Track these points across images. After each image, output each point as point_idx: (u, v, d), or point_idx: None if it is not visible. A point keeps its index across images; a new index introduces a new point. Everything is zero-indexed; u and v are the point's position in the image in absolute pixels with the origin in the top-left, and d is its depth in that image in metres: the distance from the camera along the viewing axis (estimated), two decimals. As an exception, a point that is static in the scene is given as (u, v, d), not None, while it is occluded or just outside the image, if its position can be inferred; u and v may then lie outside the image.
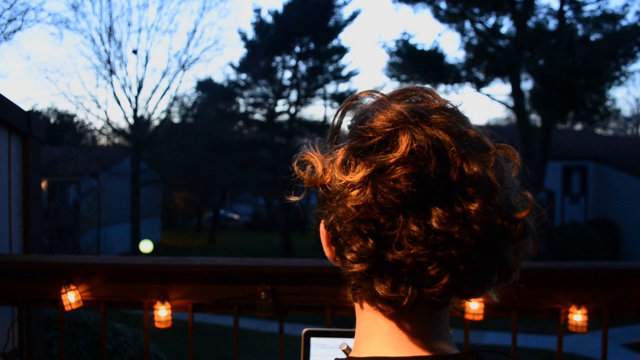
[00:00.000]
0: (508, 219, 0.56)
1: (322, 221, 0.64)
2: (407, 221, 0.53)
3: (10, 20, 12.73)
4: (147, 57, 20.84)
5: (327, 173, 0.60)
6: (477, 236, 0.54)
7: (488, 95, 17.65)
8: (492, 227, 0.55)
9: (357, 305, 0.65)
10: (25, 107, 2.77)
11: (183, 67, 21.53)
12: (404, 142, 0.54)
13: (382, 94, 0.64)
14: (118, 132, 22.13)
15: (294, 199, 0.68)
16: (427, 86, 0.65)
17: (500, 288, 0.61)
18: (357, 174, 0.55)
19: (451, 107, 0.61)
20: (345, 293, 1.99)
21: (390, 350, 0.61)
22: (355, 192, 0.55)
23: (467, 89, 16.65)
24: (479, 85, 16.75)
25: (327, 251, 0.66)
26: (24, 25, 13.21)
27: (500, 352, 0.67)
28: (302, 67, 23.87)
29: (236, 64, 24.66)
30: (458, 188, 0.54)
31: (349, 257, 0.57)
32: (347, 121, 0.64)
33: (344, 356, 0.84)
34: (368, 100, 0.64)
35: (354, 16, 23.68)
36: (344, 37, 54.42)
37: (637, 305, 1.98)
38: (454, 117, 0.59)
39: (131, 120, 21.03)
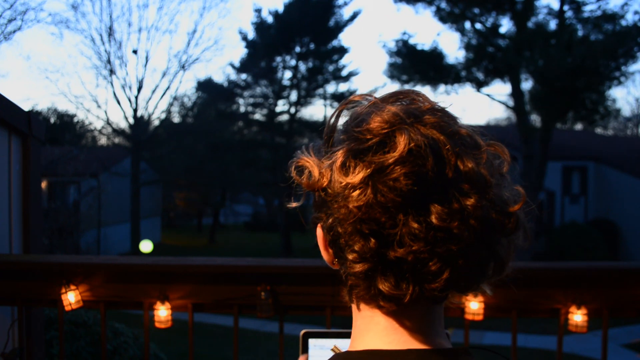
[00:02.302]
0: (502, 213, 0.58)
1: (319, 225, 0.65)
2: (408, 219, 0.55)
3: (10, 20, 12.74)
4: (147, 57, 20.84)
5: (325, 177, 0.61)
6: (474, 231, 0.56)
7: (488, 95, 17.65)
8: (488, 221, 0.57)
9: (353, 306, 0.67)
10: (25, 107, 2.77)
11: (183, 67, 21.52)
12: (401, 142, 0.55)
13: (374, 97, 0.65)
14: (118, 132, 22.13)
15: (294, 205, 0.69)
16: (417, 89, 0.66)
17: (497, 286, 0.64)
18: (357, 175, 0.56)
19: (441, 107, 0.63)
20: (342, 294, 1.99)
21: (385, 344, 0.62)
22: (356, 192, 0.56)
23: (467, 89, 16.68)
24: (479, 85, 16.75)
25: (324, 254, 0.67)
26: (24, 25, 13.21)
27: (490, 350, 0.68)
28: (302, 67, 23.85)
29: (236, 64, 24.63)
30: (454, 185, 0.56)
31: (350, 257, 0.58)
32: (341, 124, 0.65)
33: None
34: (361, 104, 0.65)
35: (354, 16, 23.66)
36: (344, 37, 54.66)
37: (637, 305, 1.98)
38: (446, 117, 0.61)
39: (131, 120, 21.04)
